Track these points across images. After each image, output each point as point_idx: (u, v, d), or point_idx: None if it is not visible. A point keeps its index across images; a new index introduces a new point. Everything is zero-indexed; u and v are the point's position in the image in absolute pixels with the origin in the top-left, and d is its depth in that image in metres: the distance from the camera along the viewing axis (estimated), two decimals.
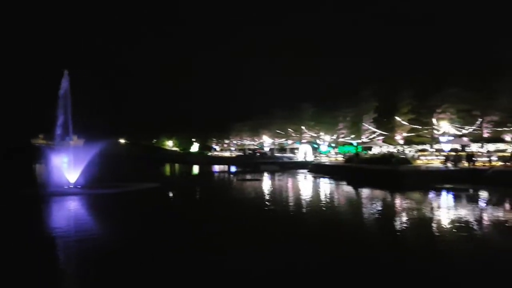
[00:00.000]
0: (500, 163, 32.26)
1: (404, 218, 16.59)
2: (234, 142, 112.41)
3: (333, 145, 65.73)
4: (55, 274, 9.28)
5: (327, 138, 65.08)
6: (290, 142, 79.20)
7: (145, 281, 8.56)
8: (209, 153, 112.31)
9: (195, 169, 61.37)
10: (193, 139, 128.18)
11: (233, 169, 57.12)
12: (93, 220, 16.94)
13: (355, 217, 17.64)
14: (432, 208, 19.16)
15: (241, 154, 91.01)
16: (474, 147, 41.09)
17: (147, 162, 76.20)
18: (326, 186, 31.58)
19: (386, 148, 53.61)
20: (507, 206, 19.94)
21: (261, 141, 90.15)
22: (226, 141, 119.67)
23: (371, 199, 23.60)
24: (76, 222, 15.83)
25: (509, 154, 35.02)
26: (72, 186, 25.75)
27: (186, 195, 26.59)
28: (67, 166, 26.53)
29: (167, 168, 65.99)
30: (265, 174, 43.80)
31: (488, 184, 26.20)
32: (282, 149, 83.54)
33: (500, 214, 17.16)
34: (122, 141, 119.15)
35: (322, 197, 24.52)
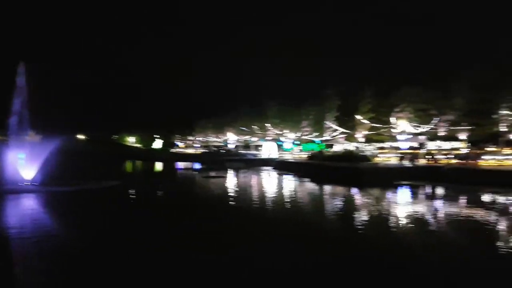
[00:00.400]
0: (455, 161, 33.91)
1: (364, 213, 17.14)
2: (199, 138, 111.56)
3: (297, 142, 66.61)
4: (12, 276, 8.91)
5: (291, 135, 65.89)
6: (254, 139, 79.54)
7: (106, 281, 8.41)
8: (172, 150, 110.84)
9: (158, 166, 60.41)
10: (156, 136, 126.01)
11: (197, 166, 56.69)
12: (50, 219, 16.34)
13: (318, 212, 18.00)
14: (389, 204, 19.94)
15: (205, 151, 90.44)
16: (430, 145, 42.97)
17: (108, 158, 74.18)
18: (290, 183, 31.99)
19: (348, 146, 54.99)
20: (459, 202, 20.98)
21: (225, 138, 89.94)
22: (190, 138, 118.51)
23: (333, 195, 24.18)
24: (32, 222, 15.19)
25: (463, 152, 36.89)
26: (28, 184, 24.67)
27: (148, 194, 26.09)
28: (23, 163, 25.37)
29: (129, 165, 64.52)
30: (230, 171, 43.78)
31: (444, 181, 27.46)
32: (247, 146, 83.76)
33: (453, 209, 18.06)
34: (81, 137, 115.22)
35: (286, 194, 24.85)
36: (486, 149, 35.79)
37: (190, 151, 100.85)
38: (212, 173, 40.43)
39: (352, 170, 32.39)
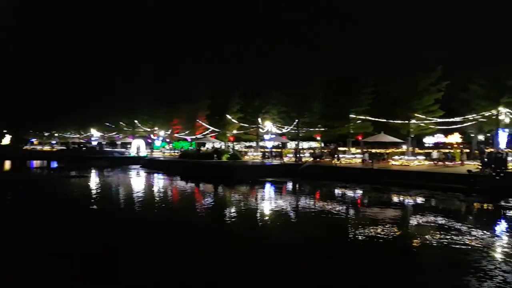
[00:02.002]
0: (311, 159, 37.42)
1: (233, 208, 17.78)
2: (56, 134, 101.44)
3: (167, 140, 65.51)
4: None
5: (162, 133, 64.54)
6: (121, 136, 75.61)
7: None
8: (26, 147, 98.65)
9: (7, 164, 53.02)
10: (5, 131, 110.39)
11: (55, 164, 51.44)
12: None
13: (188, 210, 18.02)
14: (256, 198, 21.10)
15: (64, 148, 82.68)
16: (292, 144, 46.70)
17: None
18: (159, 181, 31.32)
19: (218, 144, 56.27)
20: (310, 195, 23.28)
21: (88, 134, 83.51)
22: (46, 134, 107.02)
23: (201, 193, 24.48)
24: None
25: (319, 151, 40.95)
26: None
27: None
28: None
29: None
30: (93, 170, 40.84)
31: (302, 177, 30.11)
32: (113, 143, 79.13)
33: (309, 201, 19.98)
34: None
35: (154, 193, 24.27)
36: (338, 148, 40.38)
37: (47, 148, 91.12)
38: (72, 173, 37.19)
39: (222, 168, 33.25)
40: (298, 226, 14.58)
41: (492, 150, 29.54)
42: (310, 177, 29.86)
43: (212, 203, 20.00)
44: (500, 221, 15.57)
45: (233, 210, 17.68)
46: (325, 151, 41.32)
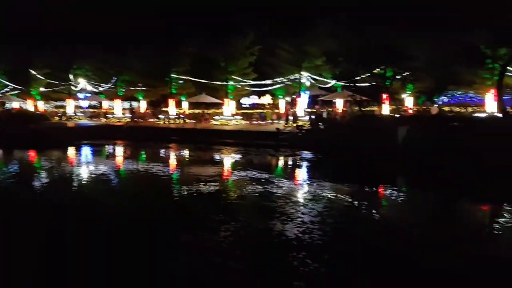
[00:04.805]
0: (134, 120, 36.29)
1: (43, 176, 16.00)
2: None
3: None
4: None
5: None
6: None
7: None
8: None
9: None
10: None
11: None
12: None
13: None
14: (72, 163, 19.47)
15: None
16: (107, 104, 44.03)
17: None
18: None
19: (23, 104, 48.88)
20: (137, 157, 22.81)
21: None
22: None
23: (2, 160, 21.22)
24: None
25: (142, 112, 39.84)
26: None
27: None
28: None
29: None
30: None
31: (124, 138, 28.96)
32: None
33: (132, 163, 19.51)
34: None
35: None
36: (162, 109, 40.12)
37: None
38: None
39: (27, 131, 29.08)
40: (122, 189, 14.18)
41: (295, 110, 33.84)
42: (131, 137, 28.95)
43: (17, 171, 17.54)
44: (300, 171, 18.29)
45: (43, 178, 15.91)
46: (147, 111, 40.53)
